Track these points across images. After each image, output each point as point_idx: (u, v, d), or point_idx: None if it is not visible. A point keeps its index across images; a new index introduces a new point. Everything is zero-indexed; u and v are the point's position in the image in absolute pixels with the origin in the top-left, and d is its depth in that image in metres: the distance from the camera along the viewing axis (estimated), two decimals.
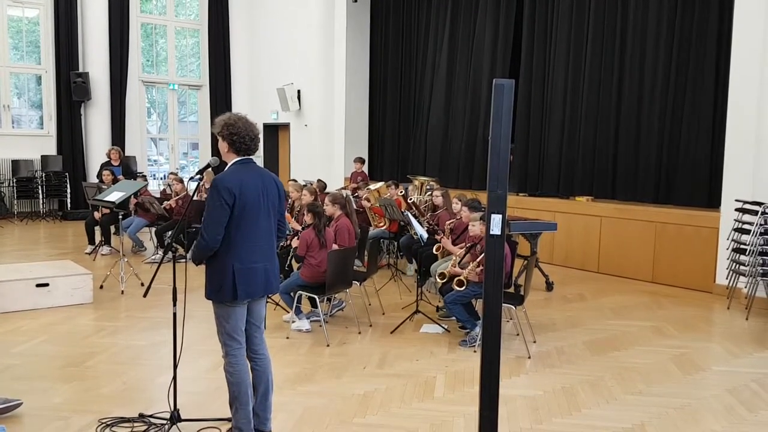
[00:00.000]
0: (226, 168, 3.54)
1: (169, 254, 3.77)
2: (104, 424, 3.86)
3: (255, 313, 3.66)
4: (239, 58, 16.21)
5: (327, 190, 9.59)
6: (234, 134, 3.48)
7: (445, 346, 5.60)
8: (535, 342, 5.73)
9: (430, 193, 8.62)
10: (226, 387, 3.58)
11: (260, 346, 3.70)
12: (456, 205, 7.00)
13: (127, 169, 10.84)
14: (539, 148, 10.81)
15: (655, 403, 4.41)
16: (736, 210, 7.05)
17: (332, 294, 6.07)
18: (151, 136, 16.37)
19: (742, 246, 6.91)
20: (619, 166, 9.55)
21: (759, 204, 6.76)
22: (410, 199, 8.49)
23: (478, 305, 5.80)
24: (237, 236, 3.43)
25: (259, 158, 15.25)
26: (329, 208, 6.35)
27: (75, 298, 6.63)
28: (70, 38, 13.71)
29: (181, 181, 9.64)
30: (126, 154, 14.21)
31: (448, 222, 6.81)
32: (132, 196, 8.52)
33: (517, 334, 5.78)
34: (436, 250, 6.70)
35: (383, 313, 6.56)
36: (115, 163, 10.63)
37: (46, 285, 6.50)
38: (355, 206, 7.79)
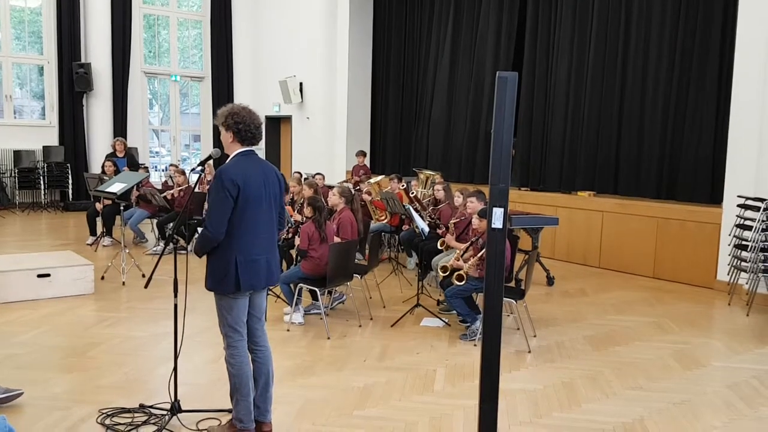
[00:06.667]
0: (229, 159, 3.53)
1: (171, 246, 3.77)
2: (105, 415, 3.87)
3: (256, 305, 3.66)
4: (242, 49, 16.18)
5: (328, 184, 9.60)
6: (239, 122, 3.47)
7: (445, 339, 5.60)
8: (535, 336, 5.73)
9: (433, 187, 8.61)
10: (227, 378, 3.59)
11: (261, 338, 3.70)
12: (458, 199, 6.99)
13: (132, 160, 10.83)
14: (541, 142, 10.79)
15: (655, 399, 4.41)
16: (738, 206, 7.04)
17: (333, 287, 6.07)
18: (152, 127, 16.35)
19: (744, 242, 6.90)
20: (622, 161, 9.54)
21: (761, 200, 6.75)
22: (412, 193, 8.49)
23: (479, 299, 5.81)
24: (240, 228, 3.43)
25: (260, 150, 15.25)
26: (334, 199, 6.35)
27: (76, 288, 6.64)
28: (72, 29, 13.69)
29: (183, 172, 9.63)
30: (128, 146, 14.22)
31: (453, 220, 6.80)
32: (134, 188, 8.51)
33: (518, 329, 5.79)
34: (441, 245, 6.70)
35: (384, 307, 6.56)
36: (120, 155, 10.62)
37: (48, 275, 6.51)
38: None
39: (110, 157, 10.45)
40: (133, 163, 10.80)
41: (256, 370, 3.64)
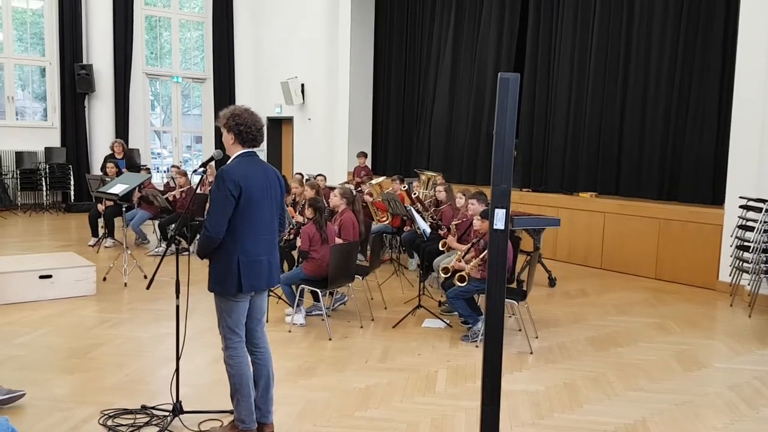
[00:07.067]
0: (230, 160, 3.54)
1: (172, 247, 3.77)
2: (107, 416, 3.87)
3: (256, 306, 3.66)
4: (243, 51, 16.19)
5: (329, 185, 9.59)
6: (241, 124, 3.49)
7: (447, 340, 5.60)
8: (537, 337, 5.73)
9: (434, 188, 8.61)
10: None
11: (261, 339, 3.70)
12: (460, 200, 6.99)
13: (130, 161, 10.85)
14: (543, 143, 10.79)
15: (657, 400, 4.41)
16: (741, 207, 7.03)
17: (335, 288, 6.07)
18: (154, 128, 16.37)
19: (746, 243, 6.90)
20: (624, 162, 9.54)
21: (763, 201, 6.74)
22: (414, 194, 8.49)
23: (481, 300, 5.81)
24: (242, 229, 3.43)
25: (262, 152, 15.23)
26: (335, 200, 6.35)
27: (78, 289, 6.65)
28: (74, 30, 13.70)
29: (184, 174, 9.63)
30: (129, 147, 14.21)
31: (454, 221, 6.80)
32: (136, 189, 8.52)
33: (520, 330, 5.78)
34: (443, 246, 6.69)
35: (385, 308, 6.56)
36: (119, 156, 10.64)
37: (50, 277, 6.52)
38: None
39: (109, 158, 10.48)
40: (132, 165, 10.81)
41: (256, 371, 3.65)
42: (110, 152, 10.94)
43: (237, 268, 3.42)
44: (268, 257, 3.56)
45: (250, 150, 3.56)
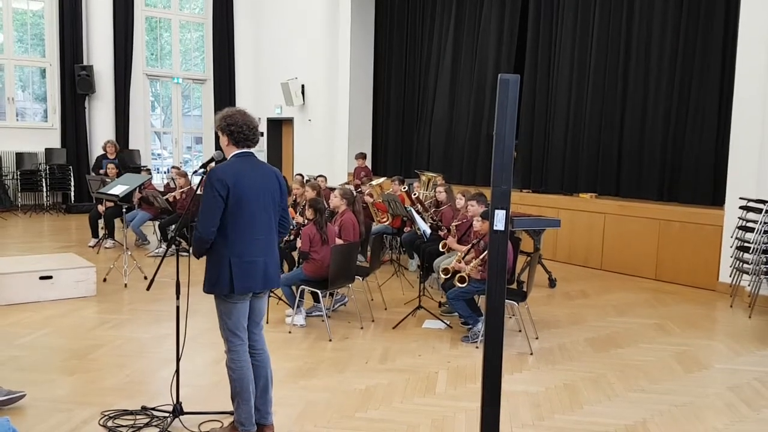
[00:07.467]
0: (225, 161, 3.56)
1: (173, 248, 3.77)
2: (107, 417, 3.88)
3: (255, 309, 3.65)
4: (244, 52, 16.20)
5: (330, 186, 9.59)
6: (232, 125, 3.49)
7: (447, 341, 5.60)
8: (537, 338, 5.73)
9: (434, 188, 8.61)
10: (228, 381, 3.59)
11: (259, 341, 3.69)
12: (460, 201, 6.99)
13: (122, 162, 10.84)
14: (543, 144, 10.79)
15: (657, 401, 4.41)
16: (741, 208, 7.03)
17: (335, 289, 6.07)
18: (155, 129, 16.37)
19: (746, 244, 6.90)
20: (624, 163, 9.54)
21: (763, 202, 6.74)
22: (415, 195, 8.49)
23: (481, 301, 5.81)
24: (234, 229, 3.42)
25: (261, 152, 15.29)
26: (336, 200, 6.35)
27: (78, 290, 6.65)
28: (74, 31, 13.70)
29: (184, 175, 9.63)
30: (130, 148, 14.24)
31: (455, 222, 6.80)
32: (136, 190, 8.52)
33: (520, 331, 5.78)
34: (443, 248, 6.70)
35: (385, 309, 6.56)
36: (111, 157, 10.66)
37: (50, 277, 6.52)
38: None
39: (101, 159, 10.50)
40: (124, 165, 10.82)
41: (254, 373, 3.63)
42: (102, 153, 10.95)
43: (228, 269, 3.41)
44: (265, 258, 3.53)
45: (246, 150, 3.56)
